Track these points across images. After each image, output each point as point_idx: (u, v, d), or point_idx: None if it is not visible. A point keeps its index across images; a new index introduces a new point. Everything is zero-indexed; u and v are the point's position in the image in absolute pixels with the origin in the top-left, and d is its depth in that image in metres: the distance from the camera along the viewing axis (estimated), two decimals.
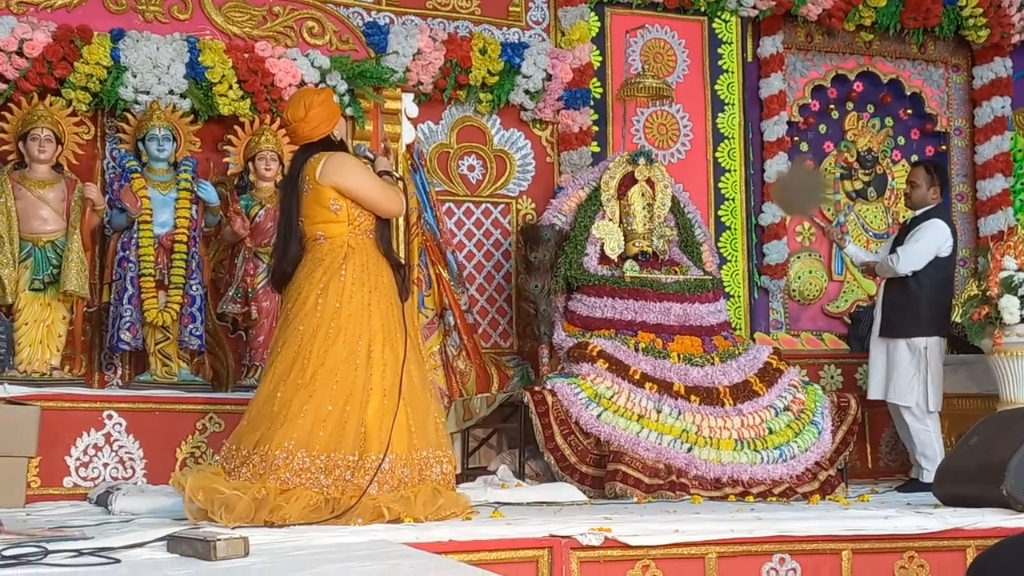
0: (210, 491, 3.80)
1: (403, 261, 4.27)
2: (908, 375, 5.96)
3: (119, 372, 5.75)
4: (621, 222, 6.17)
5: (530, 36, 6.69)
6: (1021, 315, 5.72)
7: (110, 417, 5.17)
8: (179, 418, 5.31)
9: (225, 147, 5.96)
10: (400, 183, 4.32)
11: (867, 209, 7.75)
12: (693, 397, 5.53)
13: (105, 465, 5.12)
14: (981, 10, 7.45)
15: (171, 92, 5.74)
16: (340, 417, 3.92)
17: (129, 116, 5.74)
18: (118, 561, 3.02)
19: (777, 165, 7.20)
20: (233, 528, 3.58)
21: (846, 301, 7.58)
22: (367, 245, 4.15)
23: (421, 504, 3.90)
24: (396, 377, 3.99)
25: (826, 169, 7.56)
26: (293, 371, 3.98)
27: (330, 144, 4.22)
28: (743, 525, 3.98)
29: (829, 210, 7.02)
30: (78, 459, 5.09)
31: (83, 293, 5.33)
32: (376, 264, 4.15)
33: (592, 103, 6.77)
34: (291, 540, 3.41)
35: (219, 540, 3.08)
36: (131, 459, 5.17)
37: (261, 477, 3.84)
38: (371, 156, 4.43)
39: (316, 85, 5.94)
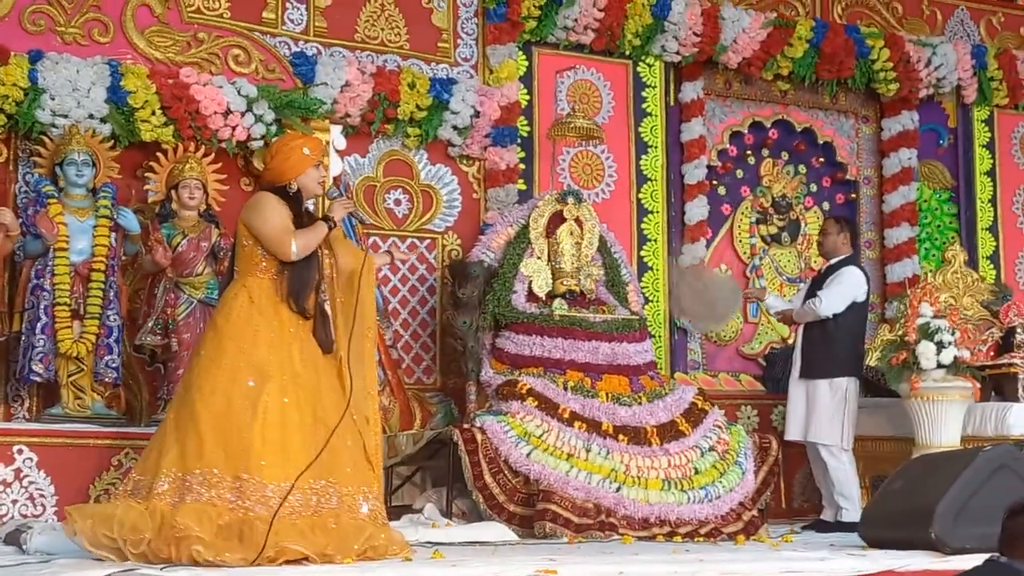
0: (100, 516, 3.83)
1: (314, 311, 4.28)
2: (829, 414, 6.08)
3: (26, 404, 5.50)
4: (550, 260, 6.17)
5: (458, 72, 6.67)
6: (937, 360, 5.88)
7: (20, 452, 4.96)
8: (93, 453, 5.12)
9: (146, 174, 5.78)
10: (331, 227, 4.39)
11: (781, 253, 7.92)
12: (621, 436, 5.53)
13: (14, 502, 4.89)
14: (892, 65, 7.70)
15: (91, 116, 5.57)
16: (221, 436, 3.93)
17: (46, 140, 5.54)
18: None
19: (697, 208, 7.30)
20: (140, 551, 3.67)
21: (760, 343, 7.71)
22: (263, 285, 4.23)
23: (346, 540, 3.90)
24: (282, 409, 4.02)
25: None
26: (177, 397, 4.18)
27: (284, 193, 4.32)
28: (686, 567, 3.98)
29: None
30: None
31: None
32: (272, 303, 4.21)
33: (519, 141, 6.78)
34: None
35: None
36: (42, 496, 4.95)
37: (146, 497, 3.87)
38: (332, 196, 4.49)
39: (243, 114, 5.82)
